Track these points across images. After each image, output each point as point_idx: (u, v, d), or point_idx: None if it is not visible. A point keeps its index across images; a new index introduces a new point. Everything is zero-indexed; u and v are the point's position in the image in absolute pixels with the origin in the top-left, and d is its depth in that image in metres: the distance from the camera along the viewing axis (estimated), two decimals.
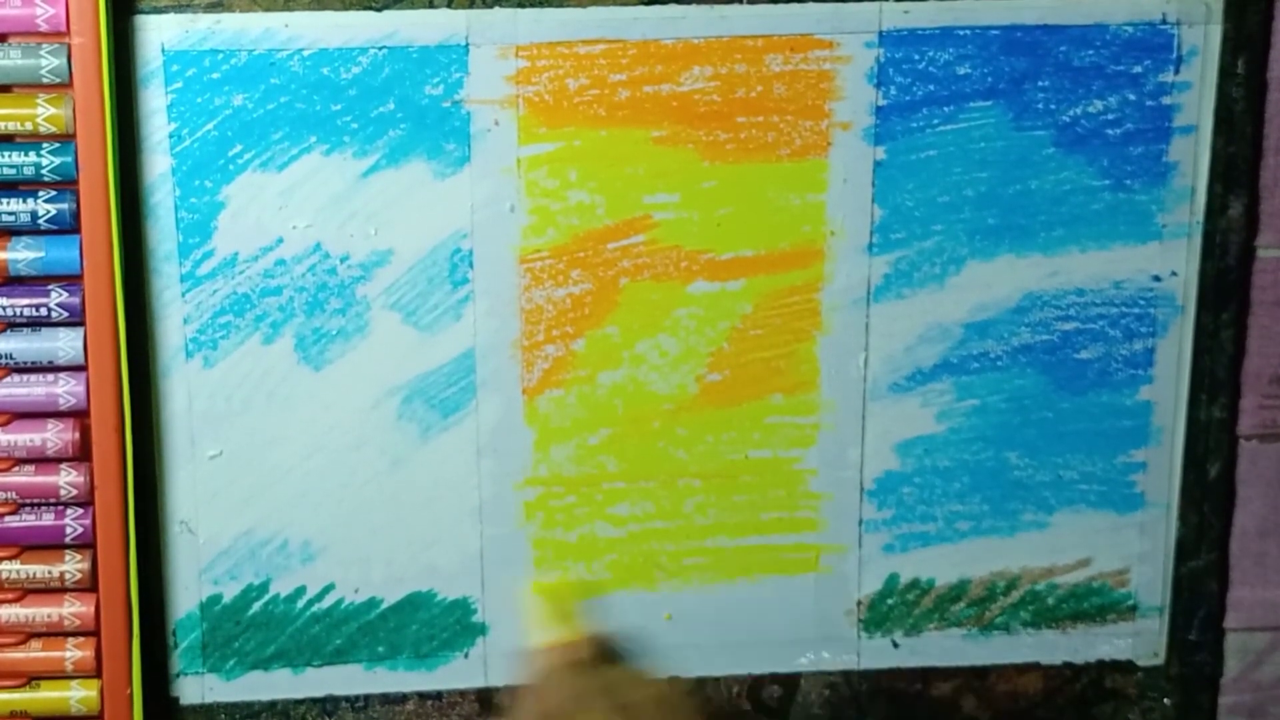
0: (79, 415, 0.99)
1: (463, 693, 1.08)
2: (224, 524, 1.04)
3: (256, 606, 1.05)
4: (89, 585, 1.00)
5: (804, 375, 1.06)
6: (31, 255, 0.97)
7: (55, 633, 1.01)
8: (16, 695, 1.00)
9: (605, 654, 0.90)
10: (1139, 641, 1.11)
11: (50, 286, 0.98)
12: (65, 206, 0.97)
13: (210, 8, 0.98)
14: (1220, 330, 1.07)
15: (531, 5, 1.00)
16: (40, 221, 0.97)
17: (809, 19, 1.02)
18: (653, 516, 1.07)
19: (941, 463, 1.08)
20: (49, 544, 1.00)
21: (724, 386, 1.06)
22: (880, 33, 1.02)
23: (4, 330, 0.98)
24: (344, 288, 1.03)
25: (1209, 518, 1.09)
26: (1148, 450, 1.09)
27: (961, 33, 1.03)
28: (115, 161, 0.97)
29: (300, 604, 1.06)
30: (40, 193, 0.97)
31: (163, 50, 0.99)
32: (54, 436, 0.99)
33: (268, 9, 0.99)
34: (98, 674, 1.01)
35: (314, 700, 1.07)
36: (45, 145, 0.97)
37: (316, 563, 1.05)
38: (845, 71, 1.03)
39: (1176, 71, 1.04)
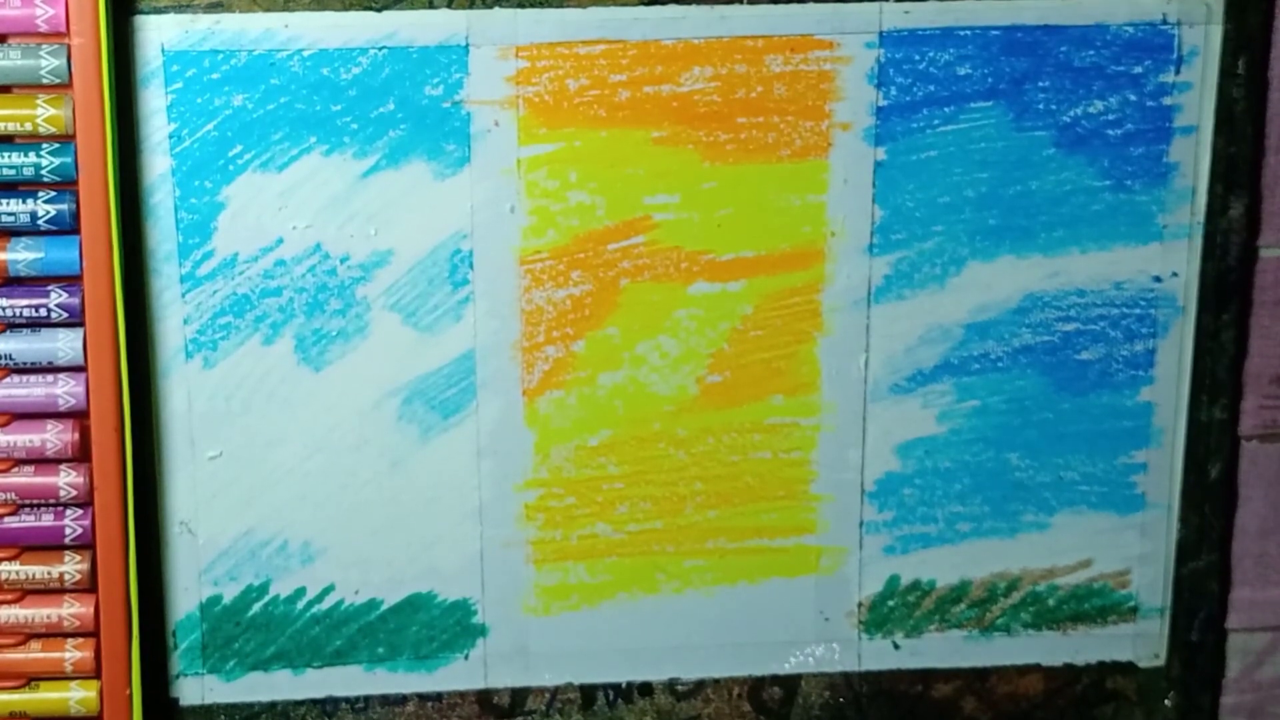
0: (78, 416, 0.99)
1: (463, 694, 1.08)
2: (224, 525, 1.04)
3: (256, 607, 1.05)
4: (88, 586, 1.00)
5: (804, 376, 1.06)
6: (31, 256, 0.97)
7: (55, 634, 1.00)
8: (16, 696, 1.00)
9: None
10: (1140, 642, 1.11)
11: (50, 287, 0.98)
12: (65, 207, 0.97)
13: (210, 8, 0.99)
14: (1221, 331, 1.07)
15: (531, 5, 1.00)
16: (40, 222, 0.97)
17: (809, 19, 1.02)
18: (653, 518, 1.07)
19: (942, 464, 1.08)
20: (48, 545, 1.00)
21: (724, 388, 1.06)
22: (881, 33, 1.02)
23: (3, 331, 0.98)
24: (344, 288, 1.02)
25: (1210, 518, 1.09)
26: (1148, 451, 1.09)
27: (962, 33, 1.03)
28: (115, 162, 0.97)
29: (300, 605, 1.06)
30: (40, 193, 0.97)
31: (163, 50, 0.99)
32: (53, 437, 0.99)
33: (268, 9, 0.99)
34: (97, 675, 1.01)
35: (314, 701, 1.07)
36: (45, 146, 0.96)
37: (316, 564, 1.05)
38: (846, 72, 1.03)
39: (1177, 72, 1.04)
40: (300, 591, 1.06)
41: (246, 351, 1.03)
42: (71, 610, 1.00)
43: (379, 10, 1.00)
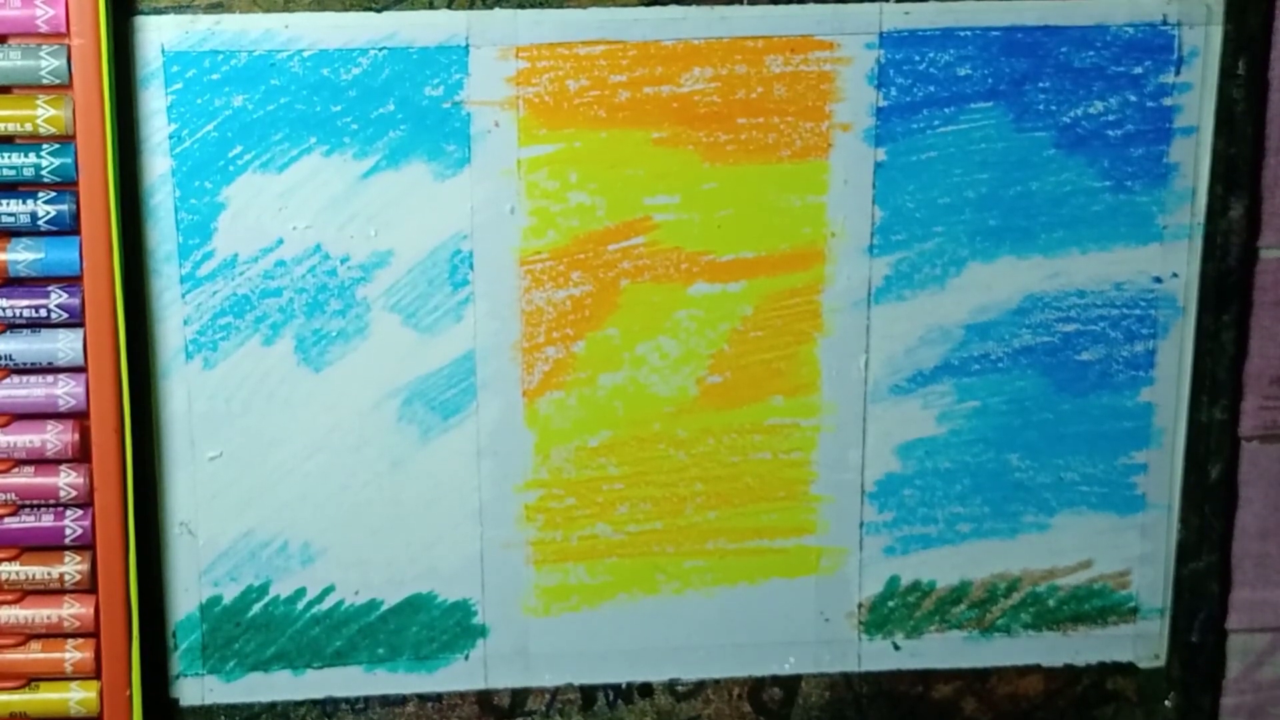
0: (79, 417, 0.99)
1: (463, 695, 1.08)
2: (224, 525, 1.04)
3: (256, 608, 1.05)
4: (88, 587, 1.00)
5: (805, 377, 1.06)
6: (31, 256, 0.97)
7: (55, 634, 1.00)
8: (16, 697, 1.00)
9: None
10: (1140, 643, 1.11)
11: (50, 288, 0.98)
12: (65, 208, 0.97)
13: (210, 8, 0.99)
14: (1221, 331, 1.07)
15: (531, 6, 1.00)
16: (40, 223, 0.97)
17: (809, 20, 1.02)
18: (653, 519, 1.07)
19: (942, 465, 1.08)
20: (48, 545, 1.00)
21: (724, 388, 1.06)
22: (881, 34, 1.02)
23: (3, 331, 0.98)
24: (344, 289, 1.02)
25: (1210, 519, 1.09)
26: (1149, 452, 1.09)
27: (962, 34, 1.03)
28: (115, 162, 0.97)
29: (300, 606, 1.06)
30: (40, 194, 0.97)
31: (163, 51, 0.99)
32: (54, 438, 0.99)
33: (268, 10, 0.99)
34: (97, 675, 1.01)
35: (314, 702, 1.07)
36: (45, 146, 0.96)
37: (316, 564, 1.05)
38: (846, 73, 1.03)
39: (1177, 73, 1.04)
40: (300, 592, 1.06)
41: (246, 352, 1.03)
42: (71, 611, 1.00)
43: (379, 11, 1.00)
